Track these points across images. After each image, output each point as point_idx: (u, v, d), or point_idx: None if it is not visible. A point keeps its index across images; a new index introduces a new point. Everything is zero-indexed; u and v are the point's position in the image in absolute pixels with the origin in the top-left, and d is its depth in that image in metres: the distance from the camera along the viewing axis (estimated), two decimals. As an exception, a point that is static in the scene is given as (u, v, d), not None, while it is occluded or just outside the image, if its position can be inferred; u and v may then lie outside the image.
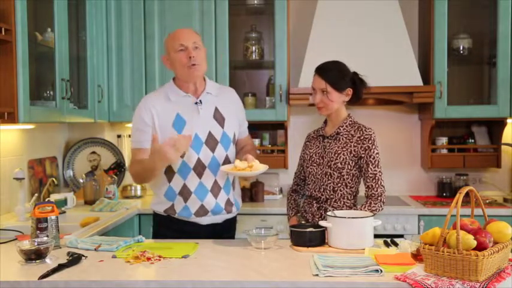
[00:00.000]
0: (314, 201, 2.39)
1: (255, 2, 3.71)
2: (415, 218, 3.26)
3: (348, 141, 2.33)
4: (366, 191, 2.31)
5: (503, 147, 3.57)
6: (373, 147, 2.30)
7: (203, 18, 3.50)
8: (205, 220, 2.36)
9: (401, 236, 3.00)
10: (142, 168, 2.25)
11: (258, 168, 2.20)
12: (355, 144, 2.31)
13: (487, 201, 3.43)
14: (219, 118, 2.36)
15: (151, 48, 3.54)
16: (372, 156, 2.29)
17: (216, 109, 2.37)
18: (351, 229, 2.03)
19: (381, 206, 2.28)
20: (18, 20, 2.45)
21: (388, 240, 2.15)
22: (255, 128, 3.75)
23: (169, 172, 2.31)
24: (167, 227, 2.39)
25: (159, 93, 2.38)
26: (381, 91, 3.30)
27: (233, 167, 2.23)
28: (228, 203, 2.38)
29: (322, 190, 2.36)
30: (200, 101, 2.35)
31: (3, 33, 2.38)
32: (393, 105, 3.74)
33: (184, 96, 2.34)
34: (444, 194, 3.65)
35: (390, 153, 3.70)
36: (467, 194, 1.69)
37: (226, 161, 2.35)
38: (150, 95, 2.42)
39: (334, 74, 2.31)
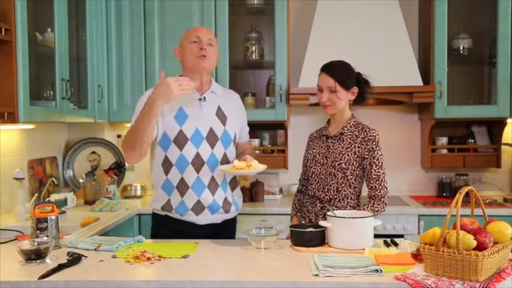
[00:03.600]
0: (317, 201, 2.39)
1: (255, 2, 3.71)
2: (415, 218, 3.26)
3: (352, 141, 2.33)
4: (368, 191, 2.32)
5: (503, 147, 3.57)
6: (377, 148, 2.30)
7: (203, 18, 3.50)
8: (203, 219, 2.36)
9: (401, 236, 3.00)
10: (139, 118, 2.18)
11: (256, 167, 2.21)
12: (359, 145, 2.31)
13: (487, 201, 3.43)
14: (221, 116, 2.39)
15: (151, 48, 3.54)
16: (376, 158, 2.29)
17: (219, 108, 2.40)
18: (351, 229, 2.03)
19: (383, 207, 2.29)
20: (18, 20, 2.45)
21: (388, 240, 2.15)
22: (255, 128, 3.75)
23: (166, 164, 2.32)
24: (165, 226, 2.40)
25: None
26: (381, 91, 3.30)
27: (232, 166, 2.24)
28: (226, 202, 2.39)
29: (326, 190, 2.36)
30: (204, 97, 2.37)
31: (3, 33, 2.38)
32: (393, 105, 3.74)
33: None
34: (444, 194, 3.65)
35: (390, 153, 3.69)
36: (467, 194, 1.69)
37: (224, 159, 2.36)
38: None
39: (341, 72, 2.32)
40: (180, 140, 2.30)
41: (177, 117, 2.32)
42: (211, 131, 2.34)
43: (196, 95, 2.36)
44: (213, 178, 2.34)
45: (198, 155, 2.31)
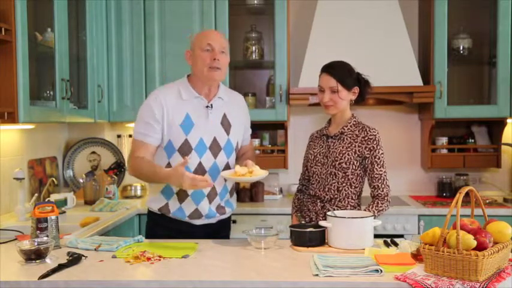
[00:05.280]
0: (318, 201, 2.39)
1: (255, 2, 3.71)
2: (415, 218, 3.26)
3: (352, 141, 2.33)
4: (371, 191, 2.32)
5: (503, 147, 3.57)
6: (378, 147, 2.30)
7: (203, 18, 3.50)
8: (199, 221, 2.37)
9: (401, 236, 3.00)
10: (152, 172, 2.21)
11: (258, 174, 2.21)
12: (360, 144, 2.31)
13: (487, 201, 3.43)
14: (226, 125, 2.37)
15: (151, 48, 3.54)
16: (377, 157, 2.29)
17: (225, 115, 2.38)
18: (351, 229, 2.03)
19: (388, 205, 2.29)
20: (18, 20, 2.45)
21: (388, 240, 2.15)
22: (255, 128, 3.73)
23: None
24: (161, 226, 2.40)
25: (172, 89, 2.35)
26: (381, 91, 3.30)
27: (233, 172, 2.23)
28: (219, 207, 2.39)
29: (326, 190, 2.36)
30: (211, 105, 2.35)
31: (3, 33, 2.38)
32: (393, 105, 3.74)
33: (196, 98, 2.33)
34: (444, 194, 3.65)
35: (390, 153, 3.68)
36: (467, 194, 1.69)
37: (227, 168, 2.36)
38: (162, 89, 2.39)
39: (343, 72, 2.33)
40: (184, 149, 2.29)
41: (183, 125, 2.29)
42: (214, 140, 2.33)
43: (204, 101, 2.34)
44: (213, 187, 2.34)
45: (200, 164, 2.31)
